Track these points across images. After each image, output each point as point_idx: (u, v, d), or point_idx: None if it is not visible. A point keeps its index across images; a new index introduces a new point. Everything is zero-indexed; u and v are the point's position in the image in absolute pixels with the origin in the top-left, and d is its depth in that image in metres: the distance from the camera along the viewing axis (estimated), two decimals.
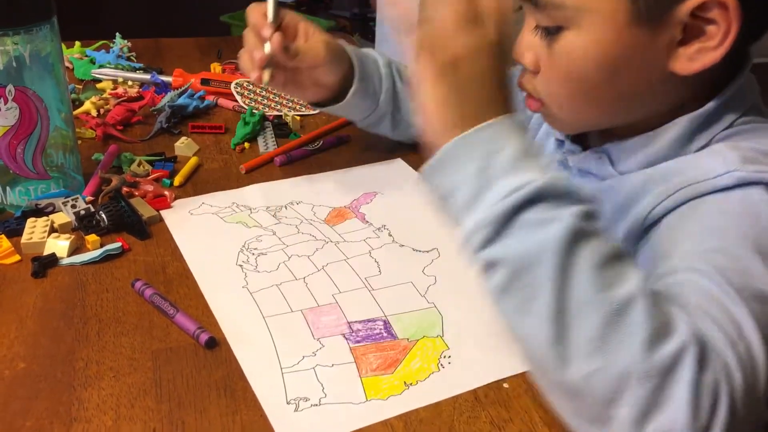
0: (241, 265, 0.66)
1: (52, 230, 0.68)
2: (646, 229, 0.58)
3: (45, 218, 0.69)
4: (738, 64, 0.58)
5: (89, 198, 0.73)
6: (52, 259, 0.64)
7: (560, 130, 0.71)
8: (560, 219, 0.44)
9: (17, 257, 0.65)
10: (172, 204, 0.75)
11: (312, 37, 0.76)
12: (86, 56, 1.08)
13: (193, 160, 0.83)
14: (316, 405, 0.51)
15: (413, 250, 0.70)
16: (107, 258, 0.66)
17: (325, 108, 0.82)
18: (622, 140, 0.62)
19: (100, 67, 1.05)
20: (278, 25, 0.73)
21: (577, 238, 0.44)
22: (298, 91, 0.80)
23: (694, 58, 0.53)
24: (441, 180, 0.49)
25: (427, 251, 0.69)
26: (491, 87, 0.50)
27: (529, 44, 0.63)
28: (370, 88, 0.82)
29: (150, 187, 0.75)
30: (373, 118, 0.85)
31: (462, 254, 0.49)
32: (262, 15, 0.73)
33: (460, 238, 0.49)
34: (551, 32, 0.59)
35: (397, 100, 0.86)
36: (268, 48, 0.71)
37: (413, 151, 0.89)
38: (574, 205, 0.46)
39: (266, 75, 0.72)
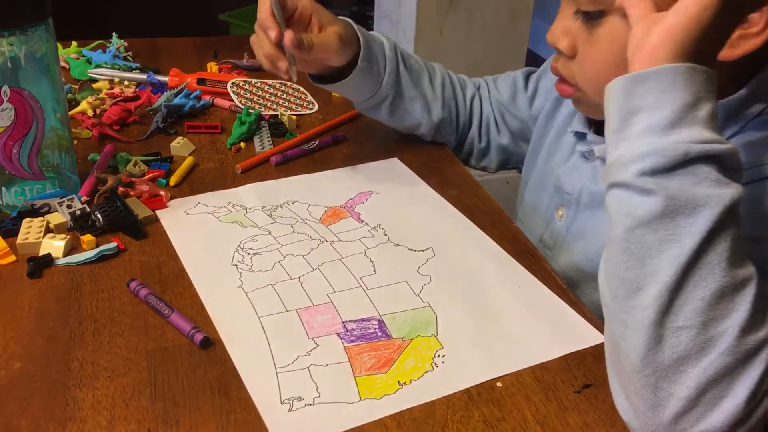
0: (236, 265, 0.66)
1: (48, 230, 0.68)
2: None
3: (41, 218, 0.69)
4: (764, 55, 0.59)
5: (85, 198, 0.73)
6: (48, 259, 0.65)
7: (591, 116, 0.72)
8: (732, 187, 0.47)
9: (13, 257, 0.65)
10: (168, 204, 0.75)
11: (325, 27, 0.76)
12: (83, 56, 1.08)
13: (189, 160, 0.83)
14: (310, 404, 0.51)
15: (408, 249, 0.70)
16: (103, 258, 0.66)
17: (327, 85, 0.82)
18: None
19: (97, 67, 1.05)
20: (290, 16, 0.74)
21: (734, 209, 0.47)
22: (302, 67, 0.79)
23: (736, 45, 0.55)
24: (642, 92, 0.49)
25: (422, 251, 0.69)
26: (719, 42, 0.52)
27: (565, 29, 0.65)
28: (374, 69, 0.82)
29: (146, 187, 0.76)
30: (374, 101, 0.85)
31: (611, 165, 0.50)
32: (269, 13, 0.72)
33: (621, 150, 0.50)
34: (593, 17, 0.61)
35: (399, 86, 0.86)
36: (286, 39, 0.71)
37: (409, 151, 0.89)
38: (739, 182, 0.48)
39: (292, 73, 0.74)
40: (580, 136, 0.75)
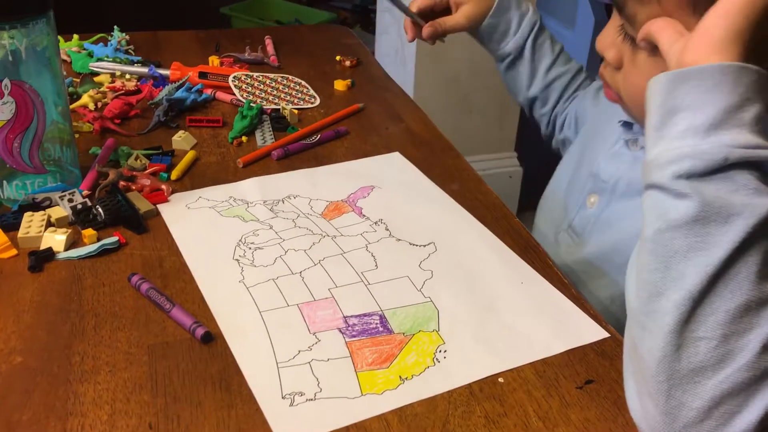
0: (237, 260, 0.66)
1: (49, 224, 0.68)
2: None
3: (42, 212, 0.69)
4: None
5: (86, 192, 0.73)
6: (49, 253, 0.64)
7: (635, 121, 0.73)
8: None
9: (14, 251, 0.65)
10: (169, 198, 0.75)
11: (460, 8, 0.91)
12: (84, 49, 1.08)
13: (191, 154, 0.82)
14: (312, 399, 0.51)
15: (410, 244, 0.70)
16: (104, 252, 0.66)
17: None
18: None
19: (98, 60, 1.04)
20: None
21: None
22: None
23: None
24: (684, 90, 0.48)
25: (424, 245, 0.69)
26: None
27: (613, 41, 0.65)
28: (494, 38, 0.96)
29: (147, 181, 0.75)
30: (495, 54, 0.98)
31: (648, 164, 0.49)
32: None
33: (659, 149, 0.49)
34: (635, 42, 0.60)
35: (521, 54, 0.97)
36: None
37: (411, 145, 0.89)
38: None
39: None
40: (627, 126, 0.76)
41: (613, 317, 0.73)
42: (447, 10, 0.92)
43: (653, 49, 0.55)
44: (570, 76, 0.98)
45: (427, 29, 0.89)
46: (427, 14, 0.91)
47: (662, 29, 0.53)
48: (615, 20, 0.65)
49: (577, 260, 0.79)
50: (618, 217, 0.75)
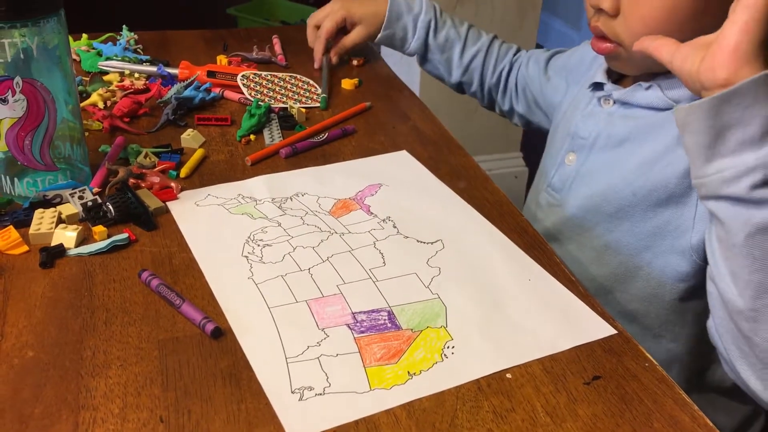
0: (246, 256, 0.66)
1: (60, 221, 0.69)
2: None
3: (53, 209, 0.69)
4: None
5: (96, 189, 0.74)
6: (60, 249, 0.65)
7: (623, 71, 0.80)
8: None
9: (25, 248, 0.66)
10: (179, 195, 0.75)
11: (354, 29, 1.07)
12: (93, 48, 1.09)
13: (199, 152, 0.83)
14: (321, 394, 0.52)
15: (418, 241, 0.70)
16: (114, 249, 0.66)
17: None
18: (669, 77, 0.72)
19: (107, 59, 1.05)
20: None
21: None
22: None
23: None
24: (729, 109, 0.54)
25: (432, 243, 0.70)
26: None
27: None
28: (396, 43, 1.07)
29: (156, 179, 0.76)
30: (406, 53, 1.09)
31: (710, 178, 0.57)
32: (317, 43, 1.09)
33: (720, 164, 0.56)
34: None
35: (426, 51, 1.07)
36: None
37: (418, 143, 0.89)
38: None
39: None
40: (598, 86, 0.83)
41: (602, 271, 0.80)
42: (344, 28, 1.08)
43: None
44: (484, 53, 1.07)
45: (333, 57, 1.09)
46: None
47: (661, 45, 0.61)
48: None
49: (561, 219, 0.84)
50: (598, 168, 0.81)
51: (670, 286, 0.75)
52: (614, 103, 0.80)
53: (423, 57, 1.08)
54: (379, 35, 1.05)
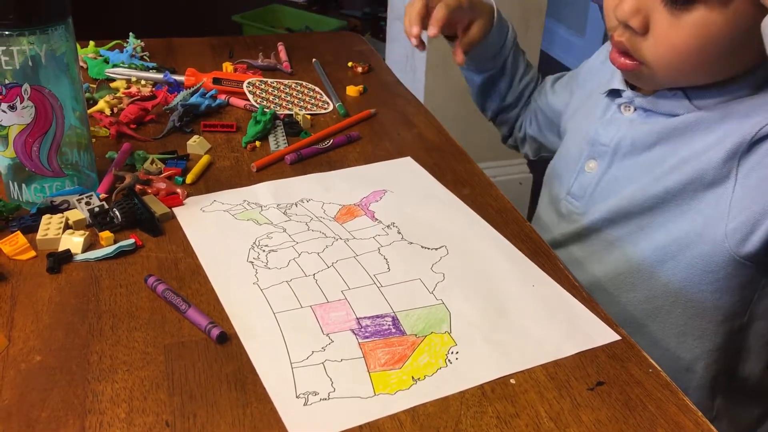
0: (251, 262, 0.67)
1: (67, 227, 0.69)
2: (753, 144, 0.68)
3: (60, 215, 0.70)
4: None
5: (103, 195, 0.74)
6: (67, 255, 0.66)
7: (645, 87, 0.78)
8: None
9: (33, 253, 0.66)
10: (185, 201, 0.76)
11: (475, 23, 0.93)
12: (100, 56, 1.09)
13: (205, 159, 0.84)
14: (325, 399, 0.52)
15: (422, 247, 0.70)
16: (121, 254, 0.67)
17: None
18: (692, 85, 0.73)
19: (114, 66, 1.06)
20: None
21: None
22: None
23: None
24: None
25: (436, 249, 0.70)
26: None
27: (639, 7, 0.68)
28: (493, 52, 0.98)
29: (162, 185, 0.76)
30: (483, 68, 1.00)
31: None
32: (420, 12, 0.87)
33: None
34: (682, 2, 0.62)
35: (504, 67, 1.01)
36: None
37: (422, 150, 0.89)
38: None
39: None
40: (615, 93, 0.81)
41: (627, 267, 0.79)
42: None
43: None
44: (535, 82, 1.04)
45: (459, 56, 0.93)
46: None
47: None
48: None
49: (585, 226, 0.83)
50: (626, 174, 0.80)
51: (699, 281, 0.74)
52: (635, 110, 0.79)
53: (492, 75, 1.01)
54: (490, 38, 0.94)
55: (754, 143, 0.69)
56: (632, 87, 0.81)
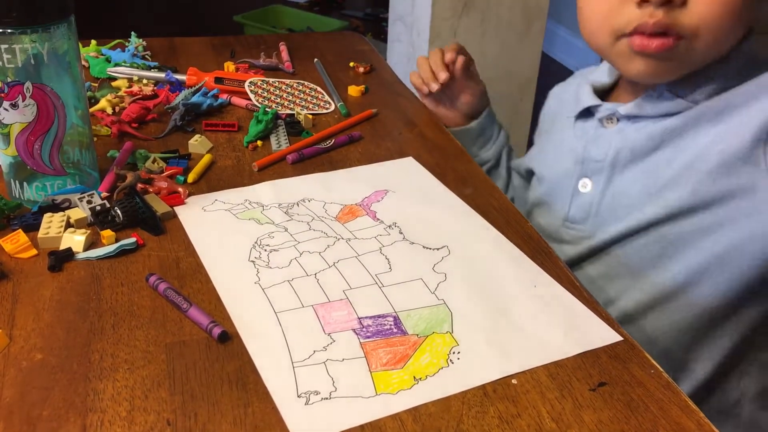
0: (253, 261, 0.67)
1: (68, 225, 0.69)
2: None
3: (61, 213, 0.70)
4: None
5: (104, 194, 0.74)
6: (68, 253, 0.66)
7: (667, 76, 0.76)
8: None
9: (34, 251, 0.66)
10: (186, 200, 0.76)
11: (463, 97, 1.02)
12: (102, 55, 1.09)
13: (207, 158, 0.84)
14: (327, 398, 0.52)
15: (423, 247, 0.70)
16: (122, 253, 0.67)
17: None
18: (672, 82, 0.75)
19: (116, 65, 1.06)
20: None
21: None
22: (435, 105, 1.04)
23: None
24: None
25: (438, 249, 0.70)
26: None
27: None
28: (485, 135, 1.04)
29: (164, 184, 0.76)
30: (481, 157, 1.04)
31: None
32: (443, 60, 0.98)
33: None
34: None
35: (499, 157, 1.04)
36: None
37: (424, 150, 0.89)
38: None
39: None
40: (587, 113, 0.82)
41: (663, 275, 0.76)
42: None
43: None
44: (516, 159, 1.05)
45: (459, 69, 0.99)
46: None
47: None
48: None
49: (595, 247, 0.81)
50: (630, 184, 0.78)
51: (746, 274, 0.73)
52: (619, 120, 0.79)
53: (489, 168, 1.05)
54: (478, 121, 1.02)
55: None
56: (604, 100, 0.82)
